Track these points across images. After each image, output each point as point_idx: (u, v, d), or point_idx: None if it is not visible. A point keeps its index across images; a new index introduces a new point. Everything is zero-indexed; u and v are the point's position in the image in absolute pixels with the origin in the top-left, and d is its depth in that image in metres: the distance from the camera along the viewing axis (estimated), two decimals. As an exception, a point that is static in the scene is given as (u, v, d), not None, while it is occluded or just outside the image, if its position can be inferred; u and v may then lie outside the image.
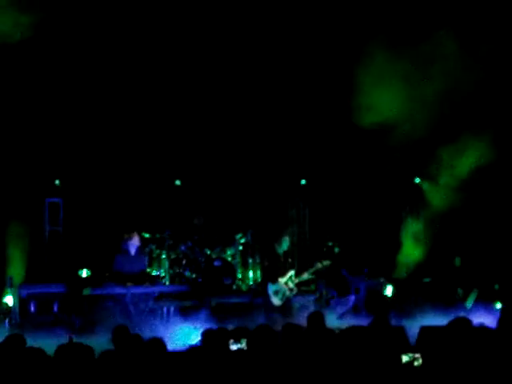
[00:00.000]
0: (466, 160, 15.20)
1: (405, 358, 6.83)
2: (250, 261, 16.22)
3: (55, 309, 14.44)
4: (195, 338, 11.97)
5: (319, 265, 13.76)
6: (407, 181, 16.94)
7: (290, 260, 13.69)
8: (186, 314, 13.72)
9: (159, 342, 6.93)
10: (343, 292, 14.15)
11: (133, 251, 14.59)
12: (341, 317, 13.90)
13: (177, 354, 7.59)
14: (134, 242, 14.61)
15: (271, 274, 13.57)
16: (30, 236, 15.64)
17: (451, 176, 15.47)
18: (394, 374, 6.48)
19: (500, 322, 7.53)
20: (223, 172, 16.53)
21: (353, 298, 14.23)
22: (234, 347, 7.68)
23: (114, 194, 16.21)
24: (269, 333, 7.31)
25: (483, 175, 15.13)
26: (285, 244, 13.61)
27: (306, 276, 13.81)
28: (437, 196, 15.99)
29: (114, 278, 14.51)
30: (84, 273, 14.79)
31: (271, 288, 13.44)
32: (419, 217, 16.72)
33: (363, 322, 8.52)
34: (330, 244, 15.28)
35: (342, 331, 8.31)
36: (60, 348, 6.56)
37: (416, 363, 6.79)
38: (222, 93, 15.73)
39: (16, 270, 15.06)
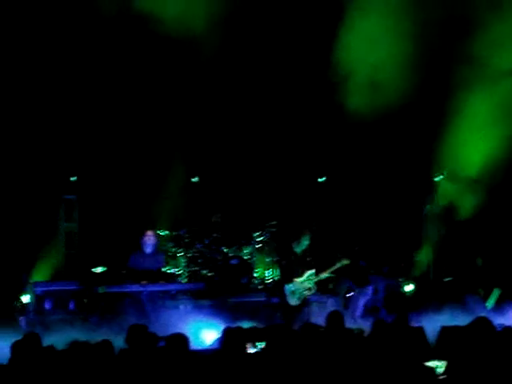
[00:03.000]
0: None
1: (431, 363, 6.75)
2: (268, 260, 16.09)
3: (71, 306, 14.44)
4: (212, 336, 11.93)
5: (338, 264, 13.67)
6: (428, 178, 16.82)
7: (309, 259, 13.55)
8: (202, 312, 13.67)
9: (182, 339, 6.89)
10: (361, 283, 14.03)
11: (149, 250, 14.53)
12: (361, 311, 13.79)
13: (196, 353, 7.56)
14: (151, 241, 14.55)
15: (288, 274, 13.50)
16: (46, 233, 15.66)
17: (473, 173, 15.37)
18: (415, 376, 6.34)
19: None
20: (241, 170, 16.51)
21: (371, 289, 14.11)
22: (251, 351, 7.64)
23: (131, 191, 16.20)
24: (287, 332, 7.26)
25: (506, 173, 15.02)
26: (304, 242, 13.50)
27: (325, 275, 13.72)
28: (458, 194, 15.92)
29: (130, 275, 14.48)
30: (99, 270, 14.76)
31: (288, 288, 13.36)
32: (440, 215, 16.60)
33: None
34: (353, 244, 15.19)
35: (362, 332, 8.25)
36: (74, 345, 6.55)
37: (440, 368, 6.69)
38: (241, 89, 15.65)
39: (32, 267, 15.06)
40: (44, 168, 15.62)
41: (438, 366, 6.78)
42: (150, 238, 14.48)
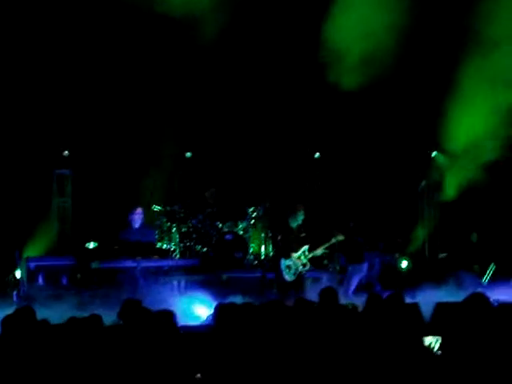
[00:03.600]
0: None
1: (427, 341, 6.73)
2: (262, 235, 16.07)
3: (64, 281, 14.46)
4: (205, 312, 11.94)
5: (333, 240, 13.66)
6: (424, 154, 16.84)
7: (303, 235, 13.53)
8: (196, 288, 13.67)
9: (169, 316, 6.84)
10: (356, 259, 14.04)
11: (137, 225, 14.55)
12: (355, 287, 13.80)
13: (188, 329, 7.54)
14: (139, 217, 14.57)
15: (284, 249, 13.50)
16: (39, 208, 15.62)
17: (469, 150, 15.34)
18: (409, 352, 6.32)
19: None
20: (236, 145, 16.48)
21: (366, 265, 14.13)
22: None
23: (124, 166, 16.17)
24: (280, 307, 7.23)
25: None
26: (299, 218, 13.47)
27: (319, 251, 13.72)
28: (453, 170, 15.92)
29: (123, 250, 14.47)
30: (91, 245, 14.77)
31: (284, 263, 13.36)
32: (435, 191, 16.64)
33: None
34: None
35: (355, 308, 8.22)
36: (69, 320, 6.54)
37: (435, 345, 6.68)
38: (236, 67, 15.60)
39: (24, 243, 15.07)
40: (37, 142, 15.59)
41: (433, 342, 6.75)
42: (138, 216, 14.52)
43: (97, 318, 6.78)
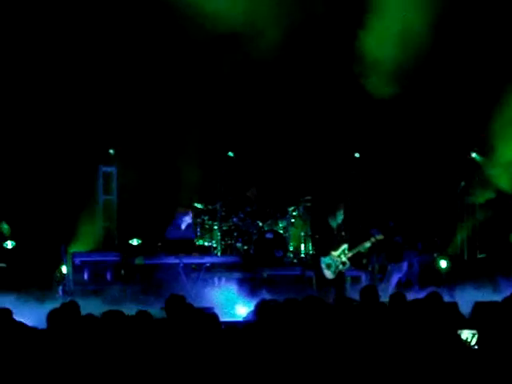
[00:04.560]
0: None
1: (463, 335, 6.78)
2: (302, 234, 16.12)
3: (108, 277, 14.63)
4: (245, 310, 12.02)
5: (373, 239, 13.68)
6: (463, 155, 16.77)
7: (343, 233, 13.59)
8: (237, 285, 13.78)
9: (211, 314, 6.96)
10: (396, 259, 14.05)
11: (183, 227, 14.71)
12: (395, 286, 13.82)
13: (231, 326, 7.62)
14: (187, 219, 14.74)
15: (324, 248, 13.55)
16: (84, 204, 15.79)
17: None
18: (449, 350, 6.39)
19: None
20: (277, 144, 16.50)
21: (406, 264, 14.13)
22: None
23: (168, 164, 16.26)
24: (321, 305, 7.29)
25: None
26: (339, 217, 13.51)
27: (359, 250, 13.75)
28: (493, 170, 15.83)
29: (166, 247, 14.64)
30: (135, 242, 14.93)
31: (324, 261, 13.40)
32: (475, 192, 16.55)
33: (417, 296, 8.44)
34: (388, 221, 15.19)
35: (395, 305, 8.25)
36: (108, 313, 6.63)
37: (472, 339, 6.73)
38: (279, 69, 15.64)
39: (70, 238, 15.25)
40: (83, 140, 15.72)
41: (469, 336, 6.81)
42: (189, 218, 14.72)
43: (146, 314, 6.87)
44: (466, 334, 6.82)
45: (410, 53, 14.36)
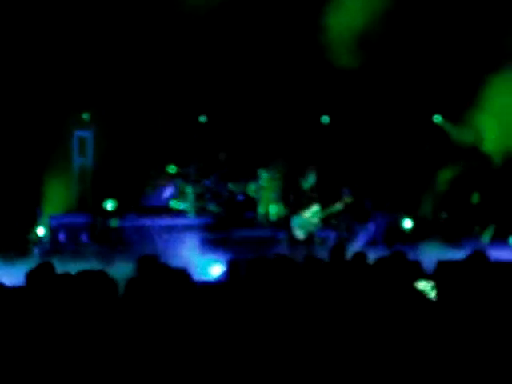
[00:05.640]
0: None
1: (420, 286, 6.97)
2: (274, 196, 16.31)
3: (84, 238, 14.76)
4: (218, 270, 12.22)
5: (344, 200, 13.86)
6: (427, 118, 17.01)
7: (314, 195, 13.81)
8: (209, 245, 13.99)
9: (186, 272, 7.07)
10: (364, 220, 14.26)
11: (165, 196, 14.90)
12: (362, 246, 14.04)
13: (203, 284, 7.75)
14: (169, 191, 14.93)
15: (295, 208, 13.73)
16: (60, 168, 15.88)
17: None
18: (409, 304, 6.62)
19: None
20: (248, 108, 16.57)
21: (373, 226, 14.35)
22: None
23: (142, 129, 16.32)
24: (290, 263, 7.47)
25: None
26: (310, 179, 13.67)
27: (329, 211, 13.94)
28: (457, 134, 16.05)
29: (140, 210, 14.82)
30: (109, 205, 15.05)
31: (295, 221, 13.58)
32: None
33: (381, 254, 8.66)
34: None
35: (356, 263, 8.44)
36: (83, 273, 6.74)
37: (430, 291, 6.91)
38: (248, 36, 15.70)
39: (47, 201, 15.36)
40: (57, 104, 15.73)
41: (428, 288, 6.98)
42: (171, 189, 14.91)
43: (103, 274, 6.94)
44: (424, 286, 7.00)
45: (374, 23, 14.47)
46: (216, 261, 12.66)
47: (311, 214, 13.55)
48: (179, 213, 15.76)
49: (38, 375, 5.69)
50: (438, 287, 6.97)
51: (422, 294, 6.83)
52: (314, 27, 14.65)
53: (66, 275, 6.91)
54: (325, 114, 17.36)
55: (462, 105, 15.58)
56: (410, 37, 15.24)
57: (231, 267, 7.42)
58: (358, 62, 14.34)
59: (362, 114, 16.75)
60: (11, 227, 14.81)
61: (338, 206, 13.85)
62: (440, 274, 7.38)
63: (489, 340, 5.99)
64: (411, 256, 9.12)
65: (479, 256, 7.50)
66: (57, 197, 15.55)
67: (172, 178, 15.51)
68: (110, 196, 15.22)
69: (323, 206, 13.77)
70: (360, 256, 8.23)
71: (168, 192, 15.10)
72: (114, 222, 14.44)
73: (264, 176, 16.14)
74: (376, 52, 14.52)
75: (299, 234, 13.51)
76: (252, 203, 15.91)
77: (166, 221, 14.80)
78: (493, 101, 14.90)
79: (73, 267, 8.63)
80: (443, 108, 16.54)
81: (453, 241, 14.31)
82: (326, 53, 14.62)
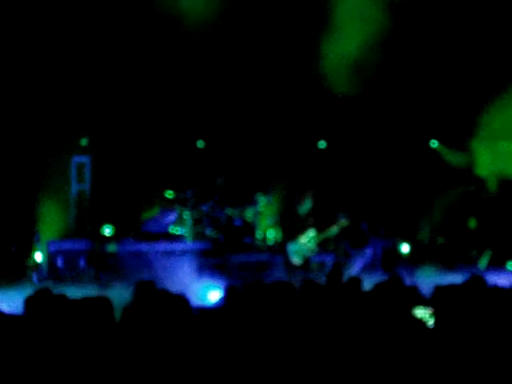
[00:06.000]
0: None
1: (418, 313, 6.97)
2: (271, 221, 16.29)
3: (81, 264, 14.76)
4: (217, 295, 12.20)
5: (339, 224, 13.90)
6: (423, 143, 17.06)
7: (310, 220, 13.84)
8: (207, 271, 13.98)
9: (182, 298, 7.06)
10: (361, 245, 14.28)
11: (168, 222, 14.94)
12: (359, 271, 14.06)
13: (200, 310, 7.73)
14: (172, 217, 14.97)
15: (291, 234, 13.76)
16: (58, 194, 15.87)
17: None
18: (407, 330, 6.62)
19: None
20: (246, 133, 16.63)
21: (370, 250, 14.37)
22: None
23: (140, 154, 16.37)
24: (288, 289, 7.48)
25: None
26: (307, 204, 13.73)
27: (326, 235, 13.98)
28: (453, 159, 16.11)
29: (138, 235, 14.83)
30: (107, 230, 15.06)
31: (291, 247, 13.62)
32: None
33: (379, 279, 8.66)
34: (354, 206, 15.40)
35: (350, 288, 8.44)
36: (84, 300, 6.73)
37: (428, 318, 6.92)
38: (244, 54, 15.76)
39: (45, 226, 15.35)
40: (56, 129, 15.66)
41: (425, 315, 6.98)
42: (174, 215, 14.95)
43: (106, 300, 6.96)
44: (421, 312, 7.00)
45: (369, 50, 14.56)
46: (214, 286, 12.64)
47: (307, 239, 13.59)
48: (177, 238, 15.76)
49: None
50: (435, 313, 6.95)
51: (420, 321, 6.83)
52: (311, 55, 14.70)
53: (63, 298, 6.92)
54: (322, 139, 17.41)
55: (459, 130, 15.66)
56: (405, 63, 15.33)
57: (229, 293, 7.41)
58: (355, 88, 14.39)
59: (359, 139, 16.79)
60: (9, 253, 14.78)
61: (334, 230, 13.87)
62: (438, 299, 7.36)
63: (486, 365, 5.99)
64: (408, 281, 9.14)
65: (477, 280, 7.50)
66: (54, 222, 15.54)
67: (173, 203, 15.50)
68: (107, 221, 15.22)
69: (319, 231, 13.78)
70: (355, 281, 8.24)
71: (171, 217, 15.12)
72: (112, 248, 14.43)
73: (262, 201, 16.17)
74: (372, 78, 14.57)
75: (295, 259, 13.54)
76: (250, 228, 15.91)
77: (164, 246, 14.81)
78: (487, 126, 14.96)
79: (71, 293, 8.67)
80: (439, 133, 16.59)
81: (450, 265, 14.33)
82: (322, 79, 14.65)
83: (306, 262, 13.62)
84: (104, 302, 6.64)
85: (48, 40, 15.08)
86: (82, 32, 15.02)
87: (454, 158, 16.39)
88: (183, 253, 14.90)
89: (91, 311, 6.48)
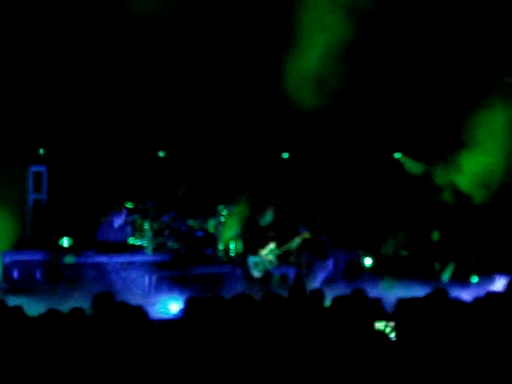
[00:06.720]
0: None
1: (378, 326, 6.96)
2: (232, 233, 16.23)
3: (38, 276, 14.56)
4: (177, 307, 12.11)
5: (300, 236, 13.89)
6: (387, 155, 17.13)
7: (271, 233, 13.78)
8: (167, 283, 13.85)
9: (141, 310, 7.00)
10: (322, 256, 14.29)
11: (117, 224, 14.77)
12: (321, 283, 14.04)
13: (160, 322, 7.67)
14: (120, 219, 14.81)
15: (252, 247, 13.71)
16: (15, 204, 15.70)
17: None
18: (368, 343, 6.57)
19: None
20: (208, 143, 16.59)
21: (331, 262, 14.38)
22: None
23: (99, 164, 16.24)
24: (248, 302, 7.41)
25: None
26: (268, 217, 13.72)
27: (287, 248, 13.93)
28: (417, 170, 16.21)
29: (97, 247, 14.66)
30: (65, 241, 14.90)
31: (252, 260, 13.57)
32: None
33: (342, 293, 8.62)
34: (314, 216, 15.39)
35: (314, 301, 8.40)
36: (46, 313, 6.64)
37: (389, 331, 6.90)
38: (207, 66, 15.71)
39: (0, 237, 15.16)
40: (13, 139, 15.59)
41: (386, 328, 6.98)
42: (124, 216, 14.79)
43: (79, 311, 6.89)
44: (384, 326, 6.99)
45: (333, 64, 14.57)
46: (174, 298, 12.57)
47: (267, 251, 13.61)
48: (137, 249, 15.61)
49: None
50: (397, 326, 6.97)
51: (382, 335, 6.81)
52: (274, 66, 14.67)
53: (19, 311, 6.83)
54: (284, 151, 17.40)
55: (421, 141, 15.75)
56: (369, 74, 15.38)
57: (189, 304, 7.32)
58: (318, 100, 14.39)
59: (322, 151, 16.81)
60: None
61: (295, 243, 13.86)
62: (400, 312, 7.39)
63: (448, 377, 6.04)
64: (371, 293, 9.12)
65: (440, 293, 7.51)
66: (10, 233, 15.33)
67: (123, 207, 15.32)
68: (64, 232, 15.05)
69: (280, 244, 13.73)
70: (318, 294, 8.20)
71: (119, 220, 14.93)
72: (69, 259, 14.26)
73: (223, 212, 16.11)
74: (335, 90, 14.57)
75: (256, 272, 13.53)
76: (212, 239, 15.82)
77: (123, 257, 14.63)
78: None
79: (26, 305, 8.54)
80: (403, 145, 16.66)
81: (413, 278, 14.37)
82: (285, 91, 14.64)
83: (267, 274, 13.59)
84: (60, 316, 6.58)
85: (4, 48, 14.89)
86: (36, 39, 14.85)
87: (414, 166, 16.50)
88: (143, 264, 14.73)
89: (47, 325, 6.46)
